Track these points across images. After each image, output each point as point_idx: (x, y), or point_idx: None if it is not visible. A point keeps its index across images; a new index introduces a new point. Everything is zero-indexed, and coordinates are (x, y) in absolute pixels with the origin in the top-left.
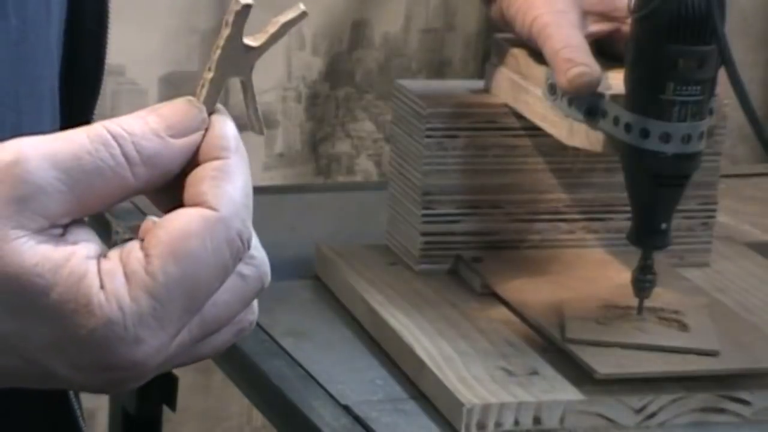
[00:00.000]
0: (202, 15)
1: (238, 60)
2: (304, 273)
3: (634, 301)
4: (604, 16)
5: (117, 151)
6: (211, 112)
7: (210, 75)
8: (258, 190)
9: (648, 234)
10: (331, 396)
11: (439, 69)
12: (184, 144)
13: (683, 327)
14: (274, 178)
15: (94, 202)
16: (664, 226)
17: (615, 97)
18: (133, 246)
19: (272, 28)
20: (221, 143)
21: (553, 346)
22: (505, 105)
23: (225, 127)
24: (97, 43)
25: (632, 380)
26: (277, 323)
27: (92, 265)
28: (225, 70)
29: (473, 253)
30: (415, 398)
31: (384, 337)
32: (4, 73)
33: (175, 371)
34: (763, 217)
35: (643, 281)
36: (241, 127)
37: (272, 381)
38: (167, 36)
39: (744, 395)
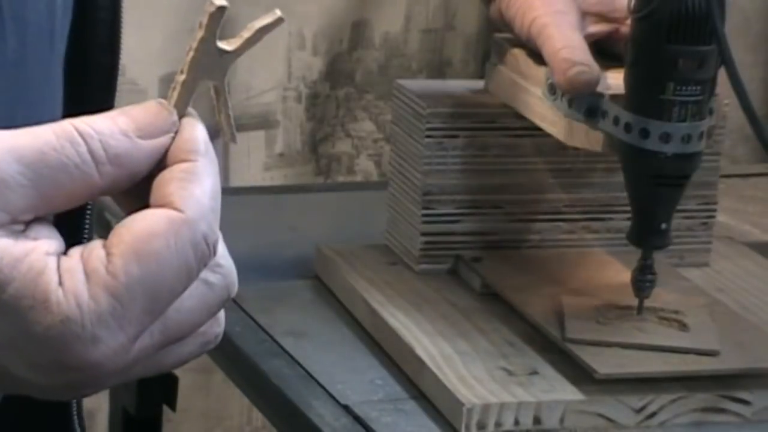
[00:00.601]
0: (202, 15)
1: (212, 64)
2: (304, 273)
3: (634, 301)
4: (603, 17)
5: (83, 149)
6: (182, 116)
7: (182, 77)
8: (258, 190)
9: (648, 234)
10: (331, 396)
11: (439, 69)
12: (152, 146)
13: (683, 327)
14: (274, 178)
15: (58, 200)
16: (663, 226)
17: (615, 97)
18: (95, 245)
19: (247, 33)
20: (190, 146)
21: (553, 346)
22: (505, 105)
23: (195, 130)
24: (107, 73)
25: (632, 380)
26: (277, 323)
27: (52, 262)
28: (197, 73)
29: (473, 253)
30: (415, 398)
31: (384, 337)
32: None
33: (175, 371)
34: (763, 217)
35: (643, 281)
36: (240, 127)
37: (272, 381)
38: (167, 36)
39: (744, 395)
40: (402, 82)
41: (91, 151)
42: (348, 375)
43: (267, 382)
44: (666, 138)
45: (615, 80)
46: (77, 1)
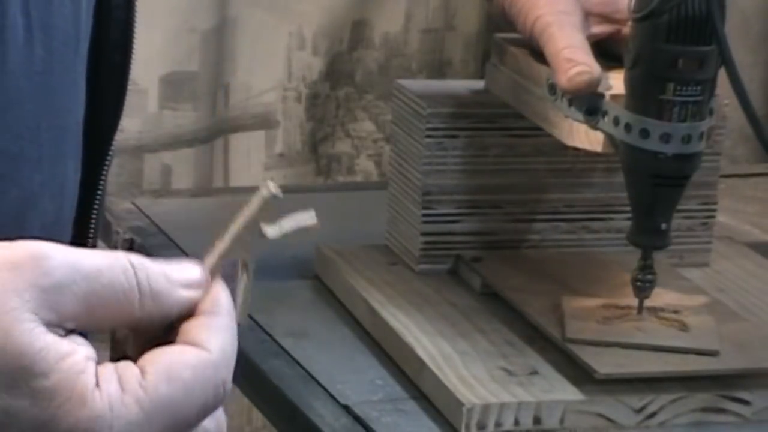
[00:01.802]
0: (202, 15)
1: (250, 243)
2: (304, 273)
3: (634, 301)
4: (605, 18)
5: (132, 277)
6: (212, 278)
7: (221, 246)
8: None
9: (648, 234)
10: (331, 396)
11: (439, 69)
12: (187, 295)
13: (683, 327)
14: (274, 178)
15: (99, 319)
16: (664, 226)
17: (615, 97)
18: (128, 363)
19: (288, 226)
20: (218, 302)
21: (553, 346)
22: (505, 105)
23: (222, 293)
24: (120, 73)
25: (632, 380)
26: (277, 323)
27: (91, 366)
28: (235, 247)
29: (473, 253)
30: (415, 398)
31: (384, 337)
32: (25, 105)
33: None
34: (763, 217)
35: (643, 281)
36: (240, 127)
37: (272, 381)
38: (167, 36)
39: (744, 395)
40: (402, 82)
41: (138, 282)
42: (348, 375)
43: (267, 382)
44: (666, 138)
45: (615, 80)
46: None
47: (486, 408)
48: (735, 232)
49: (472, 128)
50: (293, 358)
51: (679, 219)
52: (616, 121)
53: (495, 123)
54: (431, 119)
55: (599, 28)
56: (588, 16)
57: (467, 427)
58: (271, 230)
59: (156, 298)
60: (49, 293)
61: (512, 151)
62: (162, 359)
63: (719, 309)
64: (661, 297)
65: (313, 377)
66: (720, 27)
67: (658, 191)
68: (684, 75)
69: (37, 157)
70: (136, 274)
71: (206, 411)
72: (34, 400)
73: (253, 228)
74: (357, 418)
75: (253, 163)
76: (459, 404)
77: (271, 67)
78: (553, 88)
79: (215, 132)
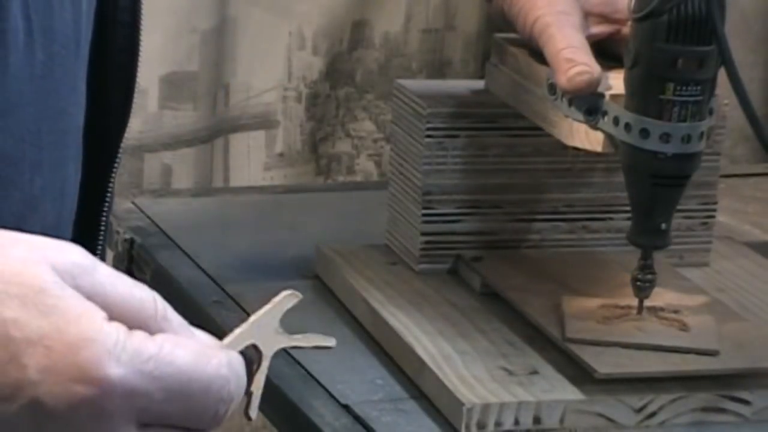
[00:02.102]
0: (202, 15)
1: (266, 333)
2: (304, 273)
3: (634, 301)
4: (605, 18)
5: (152, 294)
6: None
7: (239, 330)
8: (258, 190)
9: (648, 234)
10: (331, 396)
11: (439, 69)
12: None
13: (683, 327)
14: (274, 178)
15: (115, 311)
16: (664, 226)
17: (615, 97)
18: None
19: (303, 342)
20: (231, 354)
21: (553, 346)
22: (505, 105)
23: (236, 356)
24: (126, 76)
25: (632, 380)
26: None
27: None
28: (252, 332)
29: (473, 252)
30: (415, 398)
31: (384, 337)
32: (27, 108)
33: None
34: (763, 217)
35: (643, 281)
36: (240, 127)
37: (272, 381)
38: (167, 36)
39: (744, 395)
40: (402, 82)
41: (157, 302)
42: (348, 375)
43: (267, 381)
44: (666, 138)
45: (615, 80)
46: (98, 4)
47: (486, 408)
48: (735, 232)
49: (472, 128)
50: (293, 358)
51: (679, 219)
52: (616, 121)
53: (495, 123)
54: (431, 119)
55: (599, 28)
56: (588, 16)
57: (467, 426)
58: (288, 337)
59: (172, 325)
60: (70, 267)
61: (512, 151)
62: (170, 335)
63: (719, 309)
64: (661, 297)
65: (313, 377)
66: (720, 27)
67: (658, 191)
68: (684, 75)
69: (38, 160)
70: (155, 297)
71: (207, 389)
72: (43, 314)
73: (271, 322)
74: (357, 418)
75: (253, 163)
76: (459, 404)
77: (271, 67)
78: (553, 88)
79: (215, 132)
